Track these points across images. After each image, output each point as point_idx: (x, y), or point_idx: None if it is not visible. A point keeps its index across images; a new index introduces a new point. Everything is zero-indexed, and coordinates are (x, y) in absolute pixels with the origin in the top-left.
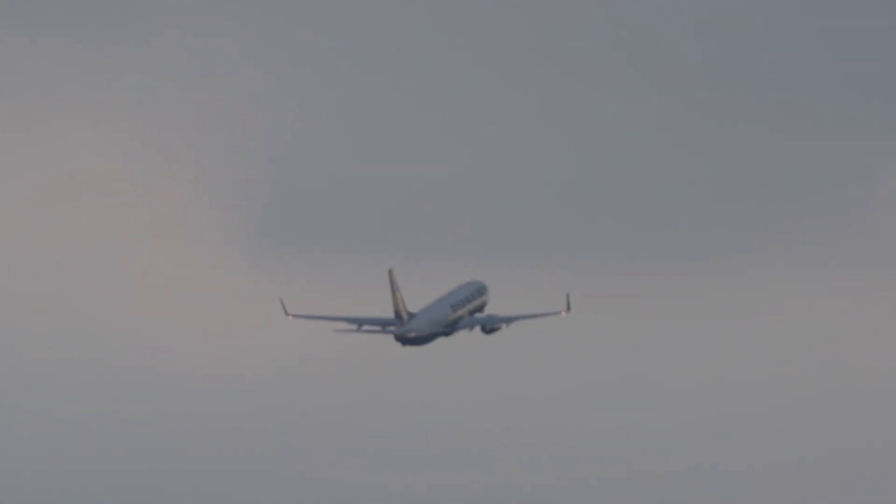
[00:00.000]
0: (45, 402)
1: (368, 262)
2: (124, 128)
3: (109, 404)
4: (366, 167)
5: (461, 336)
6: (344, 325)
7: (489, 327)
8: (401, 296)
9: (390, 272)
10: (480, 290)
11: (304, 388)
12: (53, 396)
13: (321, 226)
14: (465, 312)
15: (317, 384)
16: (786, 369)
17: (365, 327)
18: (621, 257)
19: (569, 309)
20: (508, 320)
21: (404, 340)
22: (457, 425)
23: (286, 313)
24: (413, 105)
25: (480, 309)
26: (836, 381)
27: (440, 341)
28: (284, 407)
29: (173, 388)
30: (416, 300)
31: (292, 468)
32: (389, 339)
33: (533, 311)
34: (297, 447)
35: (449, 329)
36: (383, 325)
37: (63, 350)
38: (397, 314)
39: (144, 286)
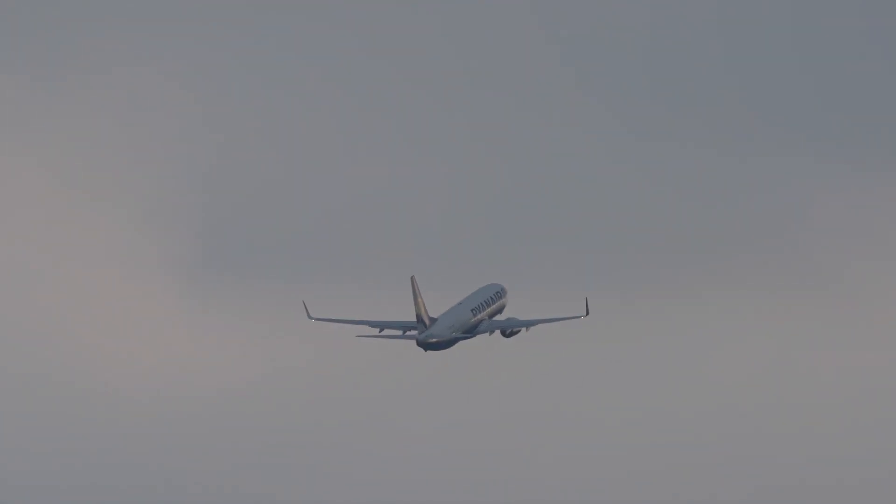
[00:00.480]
0: (34, 421)
1: (390, 267)
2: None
3: (111, 418)
4: (383, 169)
5: (482, 340)
6: (366, 329)
7: (509, 331)
8: (422, 302)
9: (412, 279)
10: (500, 293)
11: (326, 392)
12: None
13: (340, 233)
14: (486, 316)
15: (339, 388)
16: (802, 371)
17: (386, 331)
18: (640, 262)
19: (588, 313)
20: (528, 324)
21: (426, 346)
22: (478, 428)
23: (309, 316)
24: (431, 109)
25: (500, 311)
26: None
27: (462, 345)
28: (306, 411)
29: (191, 394)
30: (436, 303)
31: (314, 474)
32: (411, 343)
33: (552, 316)
34: (319, 451)
35: (470, 333)
36: (404, 328)
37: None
38: (419, 319)
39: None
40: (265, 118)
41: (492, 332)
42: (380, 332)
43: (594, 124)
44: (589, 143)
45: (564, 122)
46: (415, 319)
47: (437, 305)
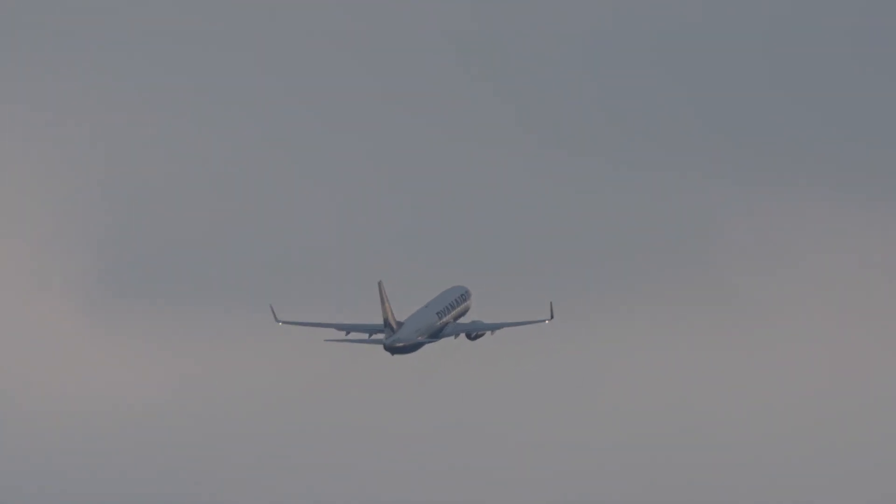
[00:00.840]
0: None
1: (356, 271)
2: None
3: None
4: (350, 174)
5: (448, 343)
6: (332, 332)
7: (474, 334)
8: (390, 307)
9: (380, 284)
10: (464, 296)
11: (294, 396)
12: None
13: (307, 237)
14: (451, 318)
15: (307, 393)
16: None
17: (353, 334)
18: (604, 267)
19: (552, 317)
20: (493, 328)
21: (393, 350)
22: (443, 431)
23: (276, 320)
24: (394, 115)
25: (464, 314)
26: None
27: (427, 349)
28: (273, 415)
29: (157, 398)
30: (401, 305)
31: (283, 477)
32: (378, 348)
33: (517, 320)
34: (285, 454)
35: (435, 337)
36: (371, 331)
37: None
38: (387, 323)
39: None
40: (243, 121)
41: (457, 335)
42: (346, 334)
43: (552, 136)
44: (550, 151)
45: (524, 129)
46: (381, 322)
47: (402, 307)
